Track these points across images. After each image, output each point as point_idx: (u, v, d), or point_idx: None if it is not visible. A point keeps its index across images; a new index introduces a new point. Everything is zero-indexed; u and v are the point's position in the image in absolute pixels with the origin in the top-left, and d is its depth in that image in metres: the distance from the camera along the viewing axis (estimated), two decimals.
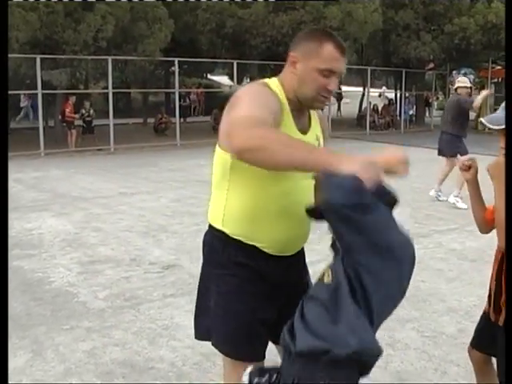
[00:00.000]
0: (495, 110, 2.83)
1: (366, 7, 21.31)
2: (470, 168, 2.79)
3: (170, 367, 4.05)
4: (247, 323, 2.41)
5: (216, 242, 2.46)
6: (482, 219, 2.83)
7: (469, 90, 9.71)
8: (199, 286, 2.58)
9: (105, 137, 17.95)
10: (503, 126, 2.58)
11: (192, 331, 2.64)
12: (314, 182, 2.05)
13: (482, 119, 2.77)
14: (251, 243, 2.39)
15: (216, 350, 2.50)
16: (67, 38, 16.49)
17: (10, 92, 10.69)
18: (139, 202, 9.86)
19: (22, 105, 27.02)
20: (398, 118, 28.17)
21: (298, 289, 2.49)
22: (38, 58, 15.98)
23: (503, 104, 2.67)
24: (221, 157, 2.38)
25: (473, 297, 5.17)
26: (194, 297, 2.59)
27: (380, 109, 28.32)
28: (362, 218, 1.73)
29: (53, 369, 4.01)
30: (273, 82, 2.45)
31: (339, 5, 20.93)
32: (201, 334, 2.58)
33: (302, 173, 2.23)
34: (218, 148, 2.41)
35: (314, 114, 2.58)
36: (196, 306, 2.60)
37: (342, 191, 1.72)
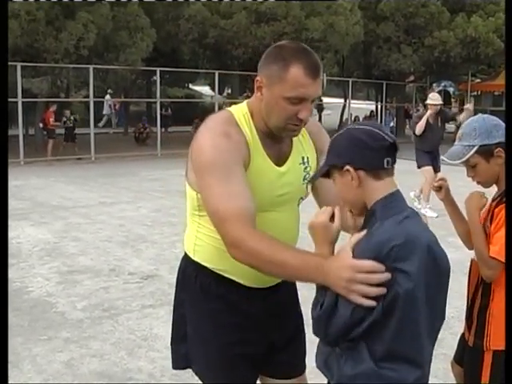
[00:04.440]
0: None
1: (348, 19, 21.47)
2: (441, 188, 2.76)
3: (148, 378, 4.02)
4: (224, 356, 2.27)
5: (189, 269, 2.34)
6: (465, 234, 2.74)
7: (437, 108, 9.79)
8: (174, 311, 2.44)
9: (85, 146, 17.86)
10: (463, 159, 2.55)
11: None
12: (295, 213, 2.27)
13: (442, 157, 2.73)
14: (224, 274, 2.24)
15: None
16: (48, 46, 16.43)
17: None
18: (119, 211, 9.80)
19: (104, 112, 27.65)
20: None
21: (286, 322, 2.39)
22: (19, 65, 15.88)
23: (460, 133, 2.62)
24: (189, 194, 2.25)
25: (451, 308, 5.16)
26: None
27: (361, 120, 28.49)
28: None
29: (30, 380, 3.97)
30: (241, 111, 2.19)
31: (321, 16, 21.08)
32: (180, 360, 2.42)
33: (286, 204, 2.24)
34: (186, 182, 2.26)
35: (301, 133, 2.25)
36: (172, 331, 2.45)
37: None
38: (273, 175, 2.18)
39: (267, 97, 2.08)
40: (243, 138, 2.11)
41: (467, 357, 2.71)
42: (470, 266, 2.71)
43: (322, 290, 1.79)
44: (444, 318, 1.94)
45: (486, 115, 2.65)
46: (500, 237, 2.46)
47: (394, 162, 1.83)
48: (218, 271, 2.25)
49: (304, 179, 2.27)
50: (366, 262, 1.68)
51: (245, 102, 2.24)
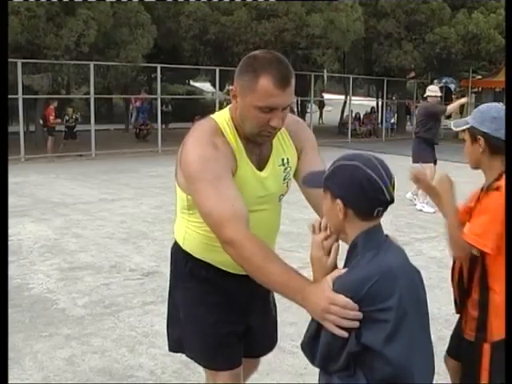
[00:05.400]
0: None
1: (349, 16, 21.42)
2: (418, 180, 2.90)
3: (149, 375, 4.02)
4: (214, 334, 2.46)
5: (179, 256, 2.54)
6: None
7: (438, 99, 9.96)
8: (169, 296, 2.66)
9: (86, 142, 17.85)
10: (456, 129, 2.74)
11: None
12: (276, 208, 2.46)
13: (451, 122, 2.84)
14: (211, 263, 2.44)
15: None
16: (49, 43, 16.39)
17: None
18: (120, 208, 9.80)
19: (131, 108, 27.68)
20: (380, 126, 28.33)
21: (263, 304, 2.65)
22: (19, 62, 15.85)
23: (473, 110, 2.75)
24: (179, 194, 2.41)
25: (452, 305, 5.17)
26: None
27: (362, 117, 28.48)
28: None
29: (30, 377, 3.97)
30: (223, 118, 2.31)
31: (322, 13, 21.03)
32: (173, 344, 2.64)
33: (269, 203, 2.40)
34: (175, 183, 2.39)
35: (281, 134, 2.39)
36: (167, 316, 2.66)
37: None
38: (255, 180, 2.32)
39: (241, 105, 2.20)
40: (229, 147, 2.24)
41: (466, 351, 2.74)
42: (456, 261, 2.76)
43: (312, 320, 1.89)
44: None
45: (499, 106, 2.71)
46: (478, 223, 2.55)
47: (384, 210, 1.88)
48: (205, 260, 2.45)
49: (284, 179, 2.42)
50: (341, 297, 1.77)
51: (227, 108, 2.35)
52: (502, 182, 2.52)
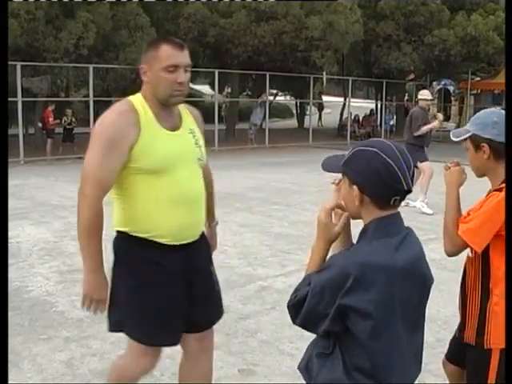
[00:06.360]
0: None
1: (348, 18, 21.44)
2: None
3: (147, 377, 4.00)
4: (158, 311, 2.66)
5: (120, 242, 2.86)
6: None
7: (429, 103, 9.98)
8: (111, 283, 2.84)
9: (85, 145, 17.69)
10: (457, 139, 2.68)
11: None
12: (197, 172, 2.82)
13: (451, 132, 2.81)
14: (149, 237, 2.71)
15: None
16: (48, 46, 16.40)
17: None
18: None
19: None
20: (379, 128, 28.34)
21: (203, 276, 2.89)
22: (19, 65, 15.87)
23: (472, 118, 2.71)
24: None
25: (451, 307, 5.18)
26: None
27: (361, 119, 28.50)
28: None
29: (30, 379, 3.97)
30: (136, 96, 2.76)
31: (321, 15, 21.05)
32: (112, 325, 2.89)
33: (189, 163, 2.79)
34: None
35: (186, 112, 2.90)
36: (109, 301, 2.83)
37: None
38: (168, 138, 2.72)
39: (151, 76, 2.68)
40: (136, 116, 2.66)
41: (470, 356, 2.71)
42: (465, 264, 2.72)
43: (305, 281, 1.91)
44: (423, 332, 2.03)
45: (499, 110, 2.66)
46: (472, 219, 2.54)
47: (402, 199, 1.88)
48: (143, 235, 2.73)
49: (196, 144, 2.84)
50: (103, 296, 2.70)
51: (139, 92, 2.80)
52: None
